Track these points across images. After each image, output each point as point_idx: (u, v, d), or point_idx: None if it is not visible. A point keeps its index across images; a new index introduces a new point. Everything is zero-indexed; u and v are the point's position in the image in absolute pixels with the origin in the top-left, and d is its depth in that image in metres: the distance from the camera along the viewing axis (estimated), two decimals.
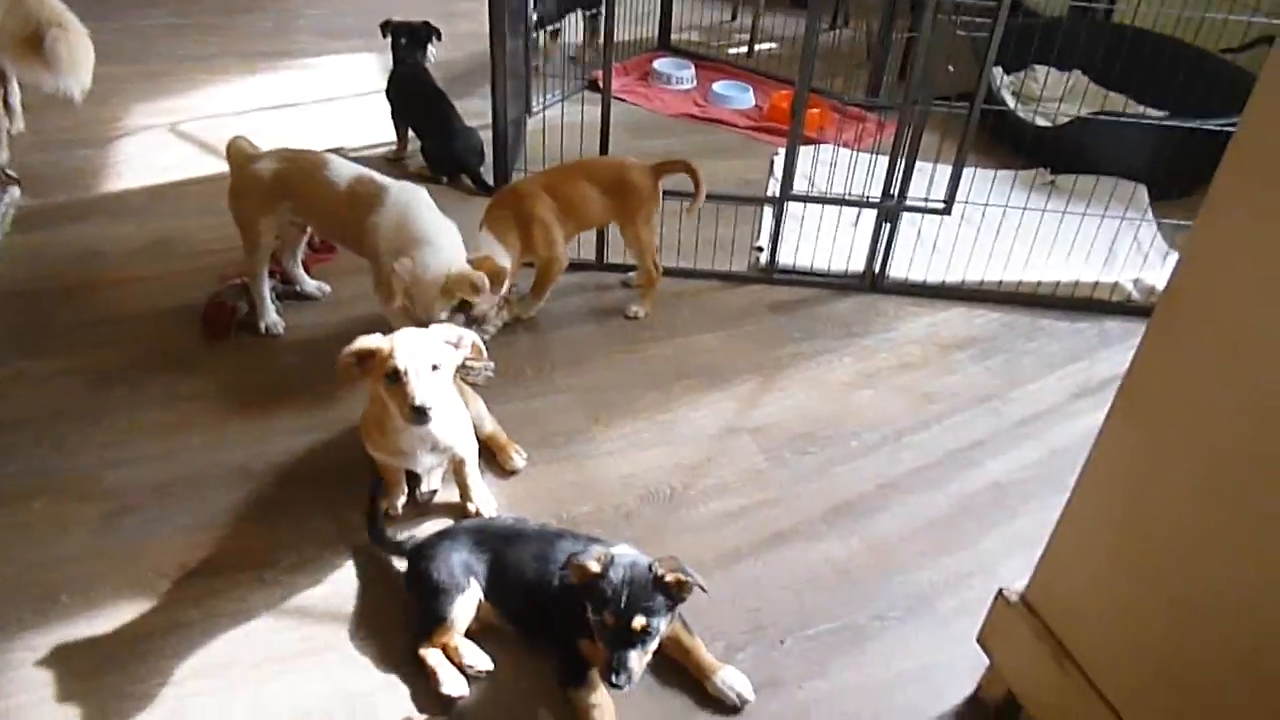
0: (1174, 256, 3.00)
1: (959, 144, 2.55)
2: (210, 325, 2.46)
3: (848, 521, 2.07)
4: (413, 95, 3.27)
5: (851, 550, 2.00)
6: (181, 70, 3.95)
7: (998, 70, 3.81)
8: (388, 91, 3.33)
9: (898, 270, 2.86)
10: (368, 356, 1.71)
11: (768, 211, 3.15)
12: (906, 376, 2.52)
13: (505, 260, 2.35)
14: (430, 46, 3.30)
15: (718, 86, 4.02)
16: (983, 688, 1.68)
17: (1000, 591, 1.56)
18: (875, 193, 2.72)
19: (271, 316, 2.49)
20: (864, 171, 2.97)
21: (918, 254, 2.92)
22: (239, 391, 2.31)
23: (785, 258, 2.87)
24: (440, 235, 2.18)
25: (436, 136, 3.24)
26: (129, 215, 2.98)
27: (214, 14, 4.56)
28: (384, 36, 3.28)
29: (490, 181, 3.07)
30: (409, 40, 3.27)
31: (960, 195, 2.65)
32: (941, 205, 2.64)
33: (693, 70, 4.14)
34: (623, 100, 3.94)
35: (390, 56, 3.31)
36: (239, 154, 2.35)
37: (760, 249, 2.97)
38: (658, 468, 2.16)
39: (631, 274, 2.80)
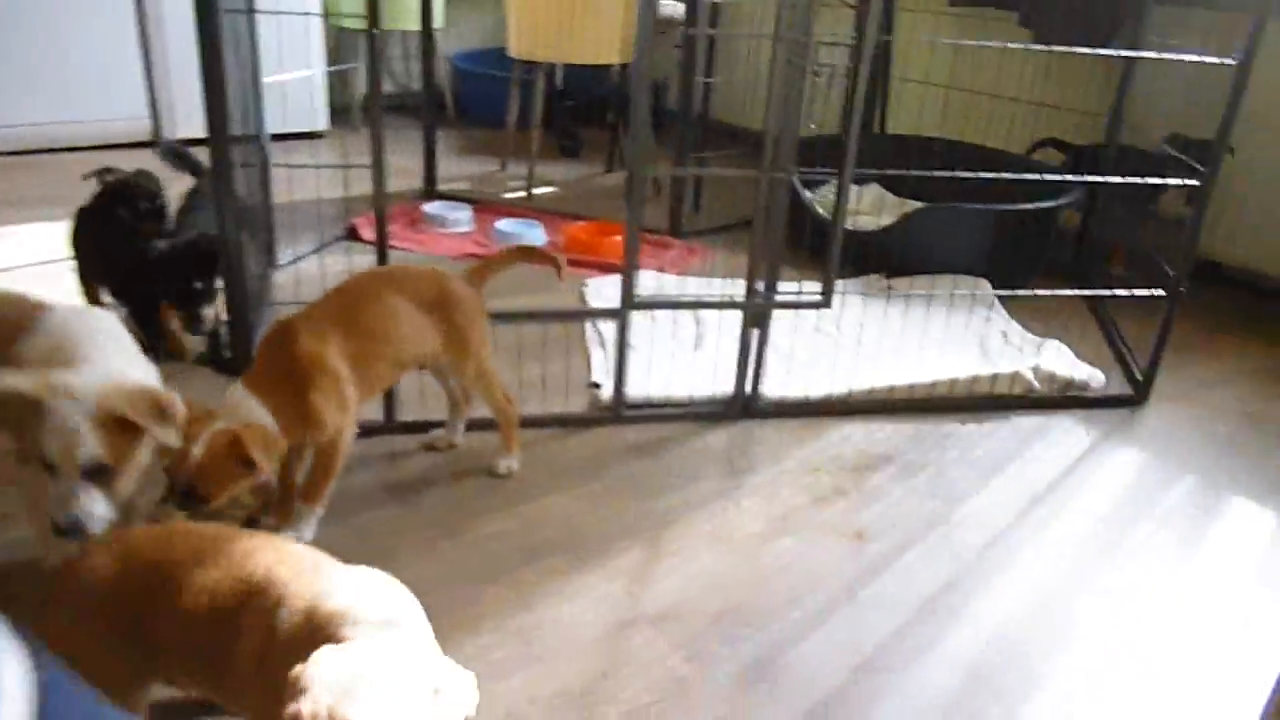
0: (1051, 344, 2.67)
1: (833, 216, 2.08)
2: None
3: None
4: (109, 237, 2.38)
5: None
6: None
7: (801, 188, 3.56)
8: (75, 238, 2.43)
9: (769, 390, 2.30)
10: None
11: (595, 345, 2.55)
12: (827, 513, 1.91)
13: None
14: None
15: (502, 224, 3.47)
16: None
17: None
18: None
19: None
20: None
21: (781, 372, 2.41)
22: None
23: (634, 389, 2.24)
24: (117, 359, 1.37)
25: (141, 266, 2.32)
26: None
27: None
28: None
29: (225, 348, 2.29)
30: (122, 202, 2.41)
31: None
32: (819, 296, 2.14)
33: (469, 211, 3.57)
34: (394, 247, 3.28)
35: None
36: None
37: (597, 385, 2.33)
38: (529, 701, 1.38)
39: (438, 431, 2.06)
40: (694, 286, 2.95)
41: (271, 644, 1.00)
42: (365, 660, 0.91)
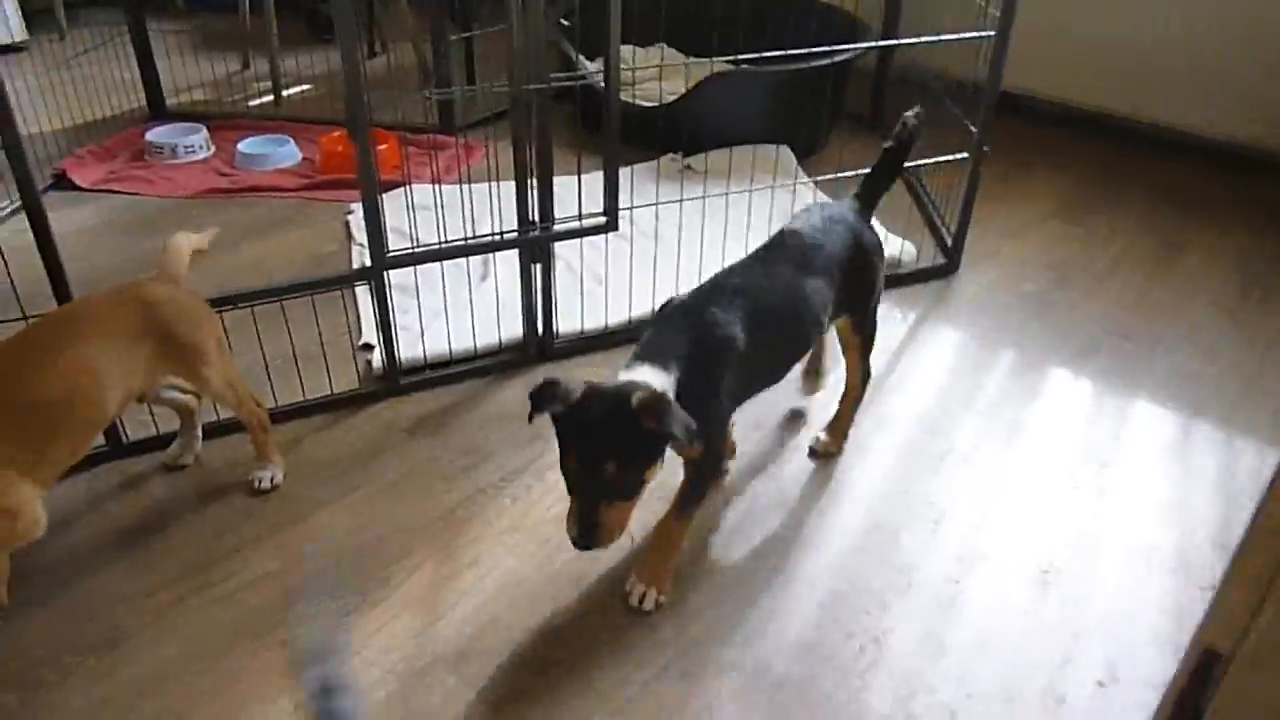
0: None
1: (605, 130, 1.79)
2: None
3: None
4: None
5: None
6: None
7: (581, 58, 3.18)
8: None
9: (566, 324, 2.05)
10: None
11: (365, 294, 2.20)
12: None
13: None
14: None
15: (245, 145, 2.98)
16: None
17: None
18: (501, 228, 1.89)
19: None
20: (479, 204, 2.17)
21: (573, 298, 2.15)
22: None
23: (409, 351, 1.95)
24: None
25: None
26: None
27: None
28: None
29: None
30: None
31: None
32: (602, 219, 1.87)
33: (204, 134, 3.04)
34: (115, 193, 2.78)
35: None
36: None
37: (369, 347, 2.02)
38: None
39: (171, 449, 1.72)
40: (478, 195, 2.61)
41: None
42: None
